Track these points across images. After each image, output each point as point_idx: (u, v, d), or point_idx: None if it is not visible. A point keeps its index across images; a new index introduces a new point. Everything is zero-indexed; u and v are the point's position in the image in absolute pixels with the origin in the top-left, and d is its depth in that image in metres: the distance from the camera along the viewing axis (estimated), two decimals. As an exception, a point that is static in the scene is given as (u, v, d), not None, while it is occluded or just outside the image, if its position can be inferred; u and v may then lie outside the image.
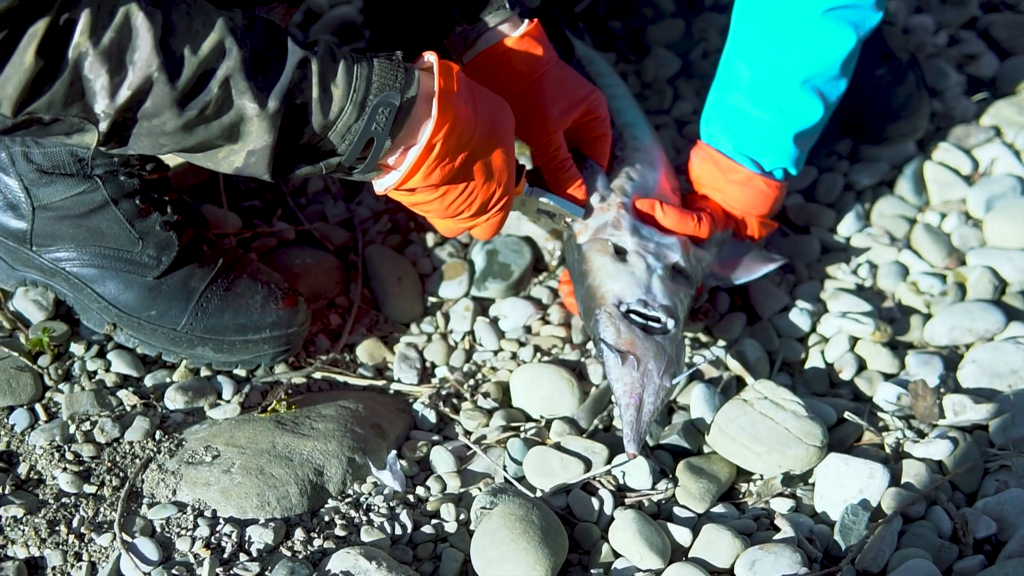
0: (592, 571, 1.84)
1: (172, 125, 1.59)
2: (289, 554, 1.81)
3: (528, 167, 2.04)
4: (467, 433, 2.06)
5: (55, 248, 2.02)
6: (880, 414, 2.12)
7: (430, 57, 1.78)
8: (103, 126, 1.57)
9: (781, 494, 1.96)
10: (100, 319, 2.05)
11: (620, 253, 2.03)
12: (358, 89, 1.67)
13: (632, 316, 1.98)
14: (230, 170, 1.68)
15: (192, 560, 1.79)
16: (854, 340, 2.26)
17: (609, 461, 1.97)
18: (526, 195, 2.02)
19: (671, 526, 1.88)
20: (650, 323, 1.99)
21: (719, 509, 1.94)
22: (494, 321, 2.27)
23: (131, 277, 2.01)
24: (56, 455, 1.90)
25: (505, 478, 1.97)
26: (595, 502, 1.92)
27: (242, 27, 1.60)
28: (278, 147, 1.65)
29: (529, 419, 2.10)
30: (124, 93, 1.54)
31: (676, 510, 1.93)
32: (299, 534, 1.83)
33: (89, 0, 1.49)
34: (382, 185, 1.80)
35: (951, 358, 2.24)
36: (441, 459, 1.99)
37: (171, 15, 1.54)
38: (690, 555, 1.85)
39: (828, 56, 2.08)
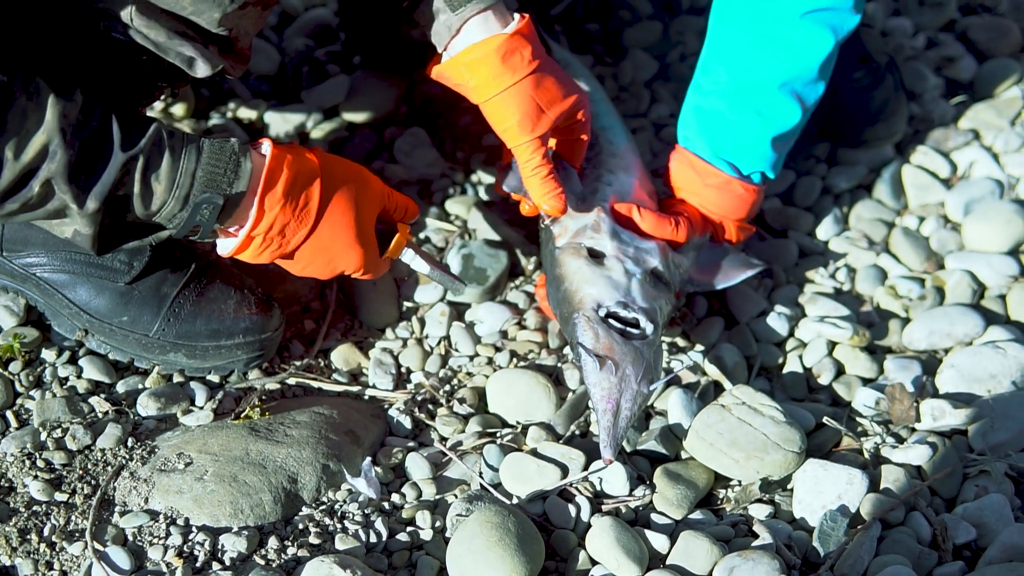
0: (569, 579, 1.84)
1: None
2: (263, 562, 1.80)
3: (398, 234, 2.03)
4: (443, 439, 2.05)
5: (26, 253, 2.01)
6: (859, 419, 2.12)
7: (266, 148, 1.84)
8: None
9: (759, 500, 1.95)
10: (71, 325, 2.03)
11: (596, 257, 2.02)
12: (182, 185, 1.76)
13: (611, 321, 1.97)
14: (61, 236, 1.78)
15: (164, 569, 1.77)
16: (832, 345, 2.26)
17: (586, 467, 1.96)
18: (403, 259, 2.04)
19: (648, 533, 1.87)
20: (628, 328, 1.98)
21: (697, 516, 1.93)
22: (470, 326, 2.25)
23: (102, 283, 2.00)
24: (27, 462, 1.89)
25: (481, 485, 1.96)
26: (572, 509, 1.91)
27: (74, 124, 1.67)
28: (102, 227, 1.76)
29: (505, 425, 2.09)
30: None
31: (653, 517, 1.92)
32: (273, 542, 1.82)
33: None
34: (221, 250, 1.89)
35: (930, 363, 2.23)
36: (416, 466, 1.98)
37: (7, 114, 1.62)
38: (668, 562, 1.84)
39: (806, 59, 2.07)
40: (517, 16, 1.96)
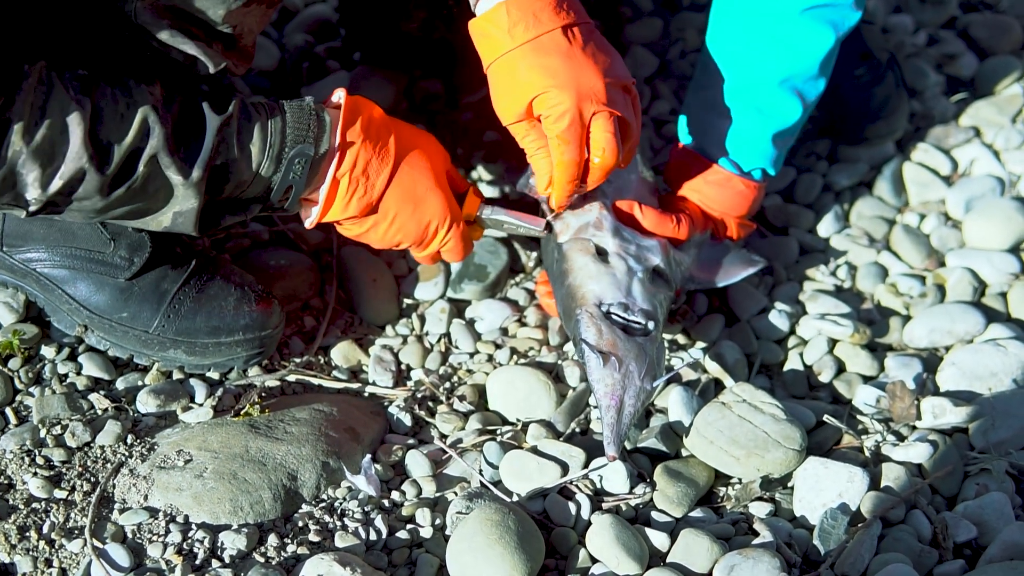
0: (569, 576, 1.83)
1: (102, 204, 1.72)
2: (262, 560, 1.79)
3: (470, 189, 2.04)
4: (443, 436, 2.05)
5: (26, 249, 2.00)
6: (859, 417, 2.12)
7: (339, 96, 1.88)
8: (32, 208, 1.70)
9: (760, 498, 1.95)
10: (71, 321, 2.03)
11: (601, 254, 2.02)
12: (273, 144, 1.80)
13: (613, 317, 1.97)
14: (158, 228, 1.81)
15: (164, 566, 1.77)
16: (833, 342, 2.26)
17: (586, 465, 1.95)
18: (482, 215, 2.04)
19: (649, 531, 1.87)
20: (631, 324, 1.97)
21: (697, 513, 1.93)
22: (470, 323, 2.25)
23: (103, 279, 1.99)
24: (26, 459, 1.88)
25: (481, 482, 1.95)
26: (572, 506, 1.91)
27: (162, 101, 1.72)
28: (202, 205, 1.77)
29: (505, 422, 2.09)
30: (56, 184, 1.67)
31: (654, 514, 1.92)
32: (272, 540, 1.82)
33: (23, 98, 1.60)
34: (308, 219, 1.93)
35: (931, 360, 2.23)
36: (416, 463, 1.98)
37: (99, 102, 1.66)
38: (668, 560, 1.84)
39: (807, 56, 2.07)
40: None
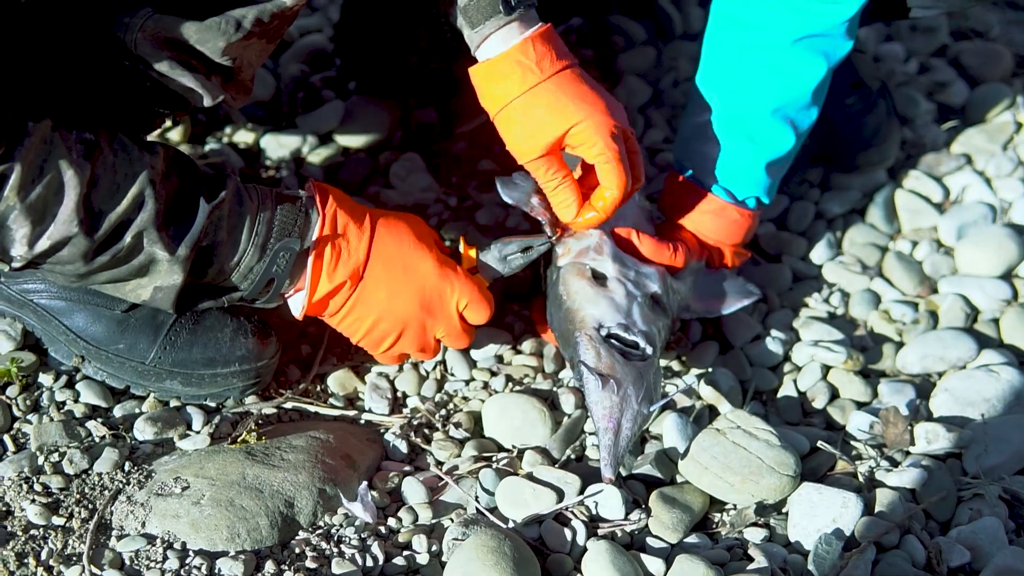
0: (565, 602, 1.84)
1: (84, 269, 1.75)
2: (260, 587, 1.80)
3: (462, 244, 2.05)
4: (439, 463, 2.05)
5: (23, 279, 2.01)
6: (853, 443, 2.12)
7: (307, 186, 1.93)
8: (16, 264, 1.71)
9: (755, 524, 1.95)
10: (68, 351, 2.03)
11: (598, 278, 2.03)
12: (259, 233, 1.83)
13: (611, 341, 1.98)
14: (136, 300, 1.84)
15: (161, 593, 1.77)
16: (826, 368, 2.26)
17: (582, 491, 1.96)
18: (484, 258, 2.05)
19: (644, 557, 1.87)
20: (629, 349, 1.98)
21: (692, 539, 1.93)
22: (466, 351, 2.25)
23: (99, 310, 2.00)
24: (24, 486, 1.89)
25: (477, 509, 1.96)
26: (568, 532, 1.91)
27: (161, 175, 1.74)
28: (184, 283, 1.79)
29: (501, 449, 2.09)
30: (43, 244, 1.69)
31: (649, 540, 1.92)
32: (269, 567, 1.82)
33: (24, 154, 1.61)
34: (296, 306, 1.96)
35: (924, 386, 2.24)
36: (412, 490, 1.98)
37: (98, 169, 1.68)
38: (663, 586, 1.85)
39: (799, 85, 2.08)
40: (538, 24, 1.90)
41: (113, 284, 1.81)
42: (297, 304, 1.95)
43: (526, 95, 1.89)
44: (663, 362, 2.22)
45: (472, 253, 2.04)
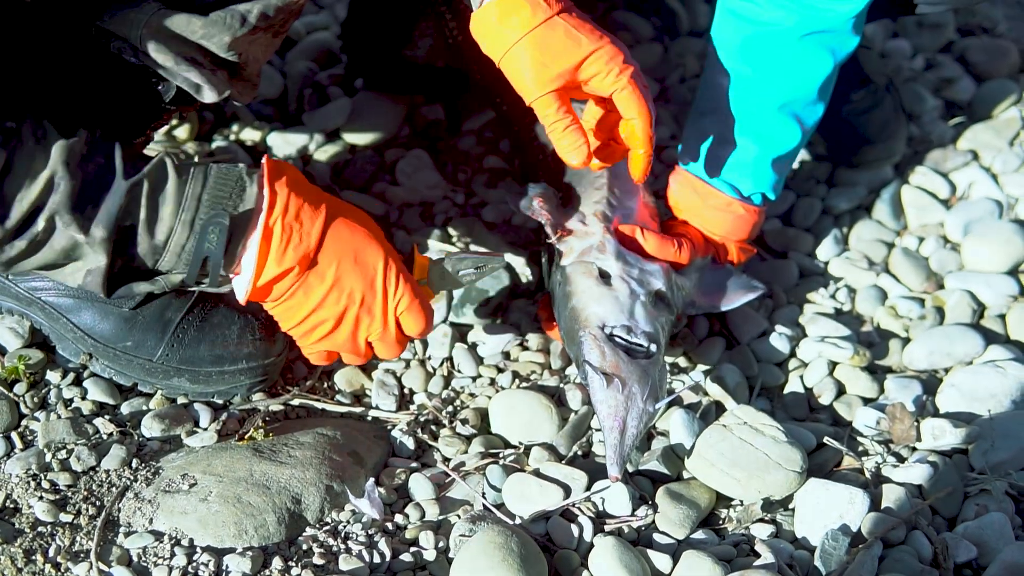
0: (572, 598, 1.84)
1: (5, 256, 1.71)
2: (267, 583, 1.80)
3: (415, 253, 2.03)
4: (446, 460, 2.05)
5: (31, 277, 2.01)
6: (859, 439, 2.12)
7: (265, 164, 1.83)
8: None
9: (761, 520, 1.95)
10: (76, 349, 2.04)
11: (604, 277, 2.03)
12: (187, 208, 1.76)
13: (616, 339, 1.98)
14: (74, 284, 1.79)
15: (169, 590, 1.78)
16: (833, 365, 2.26)
17: (588, 487, 1.96)
18: (437, 269, 2.03)
19: (651, 552, 1.87)
20: (633, 347, 1.98)
21: (699, 535, 1.93)
22: (472, 347, 2.26)
23: (107, 307, 2.00)
24: (32, 483, 1.89)
25: (484, 505, 1.96)
26: (575, 529, 1.91)
27: (79, 157, 1.70)
28: (114, 267, 1.76)
29: (508, 445, 2.09)
30: None
31: (656, 536, 1.92)
32: (277, 563, 1.82)
33: None
34: (241, 289, 1.87)
35: (930, 382, 2.24)
36: (419, 486, 1.99)
37: (13, 156, 1.65)
38: (670, 582, 1.85)
39: (806, 81, 2.08)
40: None
41: (49, 270, 1.78)
42: (240, 288, 1.87)
43: (540, 27, 1.85)
44: (669, 359, 2.22)
45: (424, 262, 2.03)
